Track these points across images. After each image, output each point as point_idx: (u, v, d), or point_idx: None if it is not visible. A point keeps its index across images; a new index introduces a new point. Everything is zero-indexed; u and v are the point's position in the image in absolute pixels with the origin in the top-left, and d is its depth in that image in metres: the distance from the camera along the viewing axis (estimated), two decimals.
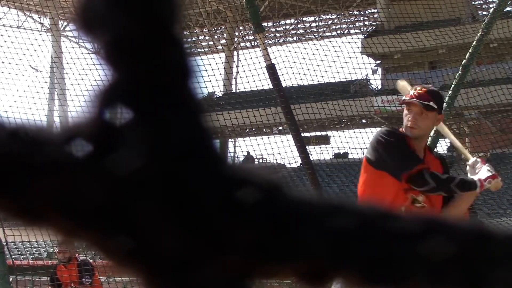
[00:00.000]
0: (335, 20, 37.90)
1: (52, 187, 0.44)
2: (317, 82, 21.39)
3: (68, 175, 0.44)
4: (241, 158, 31.62)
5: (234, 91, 33.90)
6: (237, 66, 33.84)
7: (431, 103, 3.72)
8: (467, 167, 3.86)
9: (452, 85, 9.04)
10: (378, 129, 4.03)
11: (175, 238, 0.45)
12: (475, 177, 3.66)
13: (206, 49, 35.54)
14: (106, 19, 0.45)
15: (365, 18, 37.93)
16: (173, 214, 0.45)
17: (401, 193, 3.67)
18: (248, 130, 27.30)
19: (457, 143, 4.18)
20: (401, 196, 3.67)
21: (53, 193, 0.44)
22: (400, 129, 3.87)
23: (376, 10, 35.66)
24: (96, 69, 0.46)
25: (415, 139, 3.74)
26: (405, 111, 3.81)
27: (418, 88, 3.84)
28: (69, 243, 0.47)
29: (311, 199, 0.47)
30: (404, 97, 3.87)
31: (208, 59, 21.26)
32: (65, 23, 31.69)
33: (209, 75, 16.58)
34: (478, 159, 3.86)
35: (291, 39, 36.90)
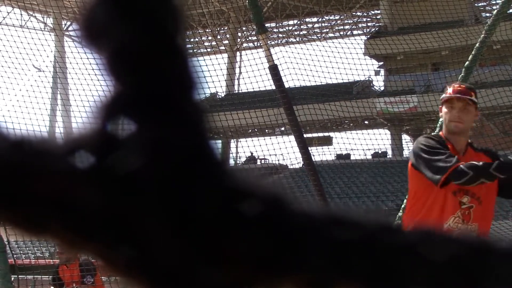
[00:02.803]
0: (338, 21, 37.90)
1: (54, 198, 0.44)
2: (320, 83, 21.39)
3: (70, 186, 0.44)
4: (243, 159, 31.62)
5: (236, 91, 33.91)
6: (239, 67, 33.85)
7: (473, 98, 3.82)
8: None
9: None
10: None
11: (176, 250, 0.46)
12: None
13: (209, 50, 35.56)
14: (109, 30, 0.45)
15: (368, 19, 37.93)
16: (174, 226, 0.46)
17: (450, 196, 3.72)
18: (250, 130, 27.30)
19: None
20: (451, 200, 3.72)
21: (54, 204, 0.44)
22: (441, 133, 3.93)
23: (379, 12, 35.65)
24: (99, 69, 0.46)
25: (456, 136, 3.81)
26: (445, 109, 3.85)
27: (456, 85, 3.92)
28: (69, 251, 0.47)
29: (313, 211, 0.47)
30: (445, 95, 3.91)
31: (211, 59, 21.27)
32: (68, 23, 31.73)
33: (212, 75, 16.59)
34: None
35: (294, 40, 36.92)
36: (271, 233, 0.47)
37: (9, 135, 0.45)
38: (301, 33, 38.17)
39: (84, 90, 16.06)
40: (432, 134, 3.95)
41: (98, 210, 0.45)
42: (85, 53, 0.46)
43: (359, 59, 34.22)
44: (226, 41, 37.57)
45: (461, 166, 3.56)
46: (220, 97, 33.13)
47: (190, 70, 0.47)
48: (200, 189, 0.46)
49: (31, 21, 31.48)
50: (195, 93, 0.47)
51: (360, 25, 38.08)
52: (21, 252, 19.19)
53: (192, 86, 0.47)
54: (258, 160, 30.62)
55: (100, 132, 0.45)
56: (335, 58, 17.17)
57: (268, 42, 10.15)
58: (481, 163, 3.61)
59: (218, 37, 37.72)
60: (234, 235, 0.46)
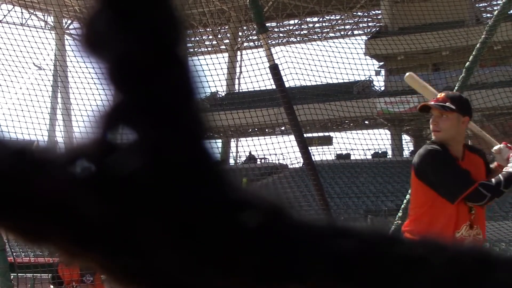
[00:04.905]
0: (339, 21, 37.91)
1: (54, 208, 0.44)
2: (320, 83, 21.40)
3: (70, 196, 0.44)
4: (244, 158, 31.63)
5: (237, 91, 33.93)
6: (240, 66, 33.88)
7: (447, 104, 3.78)
8: (493, 153, 3.95)
9: (455, 87, 9.04)
10: (424, 147, 3.98)
11: (177, 261, 0.46)
12: (510, 169, 3.77)
13: (209, 49, 35.57)
14: (110, 40, 0.45)
15: (369, 19, 37.93)
16: (175, 236, 0.46)
17: (462, 205, 3.72)
18: (250, 130, 27.29)
19: (484, 135, 4.22)
20: (462, 209, 3.74)
21: (54, 213, 0.44)
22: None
23: (379, 12, 35.65)
24: (99, 78, 0.46)
25: (449, 144, 3.78)
26: (431, 120, 3.88)
27: (439, 94, 3.92)
28: (72, 263, 0.47)
29: (313, 222, 0.47)
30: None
31: (211, 58, 21.26)
32: (69, 21, 31.73)
33: (212, 74, 16.58)
34: (503, 145, 3.94)
35: (295, 40, 36.92)
36: (272, 242, 0.46)
37: (10, 143, 0.45)
38: (301, 32, 38.17)
39: (84, 88, 16.06)
40: (431, 142, 3.91)
41: (98, 219, 0.45)
42: (88, 61, 0.46)
43: (359, 59, 34.26)
44: (227, 40, 37.57)
45: (479, 188, 3.62)
46: (220, 96, 33.15)
47: (190, 79, 0.47)
48: (201, 199, 0.46)
49: (31, 19, 31.49)
50: (195, 102, 0.47)
51: (360, 25, 38.08)
52: (21, 250, 19.19)
53: (191, 95, 0.47)
54: (258, 160, 30.63)
55: (101, 141, 0.45)
56: (336, 58, 17.18)
57: (269, 41, 10.14)
58: (493, 182, 3.67)
59: (219, 36, 37.72)
60: (234, 244, 0.46)
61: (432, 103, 3.82)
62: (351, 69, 17.68)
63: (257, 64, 14.81)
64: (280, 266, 0.47)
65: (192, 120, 0.47)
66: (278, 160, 29.81)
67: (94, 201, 0.45)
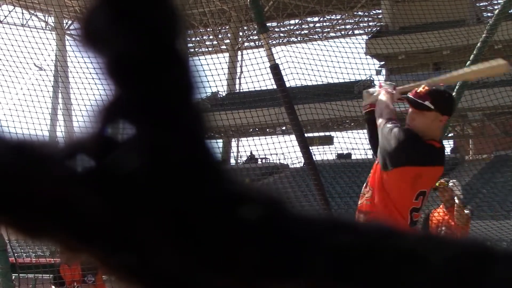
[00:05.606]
0: (339, 21, 37.88)
1: (54, 203, 0.44)
2: (321, 83, 21.36)
3: (69, 191, 0.44)
4: (244, 158, 31.62)
5: (237, 91, 33.90)
6: (241, 66, 33.86)
7: (426, 103, 3.67)
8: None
9: (456, 87, 9.03)
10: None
11: (176, 256, 0.46)
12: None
13: (210, 49, 35.55)
14: (109, 36, 0.45)
15: (370, 18, 37.91)
16: (174, 232, 0.46)
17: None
18: (251, 130, 27.28)
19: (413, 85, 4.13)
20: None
21: (54, 209, 0.44)
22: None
23: (380, 11, 35.63)
24: (98, 73, 0.46)
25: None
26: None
27: (422, 87, 3.77)
28: (73, 259, 0.47)
29: (313, 217, 0.47)
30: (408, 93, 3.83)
31: (212, 58, 21.26)
32: (70, 22, 31.73)
33: (213, 74, 16.58)
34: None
35: (295, 39, 36.90)
36: (271, 239, 0.46)
37: (9, 139, 0.45)
38: (302, 32, 38.15)
39: (85, 88, 16.06)
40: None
41: (97, 214, 0.45)
42: (87, 56, 0.46)
43: (360, 58, 34.27)
44: (228, 40, 37.56)
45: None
46: (221, 96, 33.13)
47: (189, 74, 0.47)
48: (200, 194, 0.46)
49: (32, 20, 31.50)
50: (194, 97, 0.47)
51: (361, 24, 38.06)
52: (22, 250, 19.18)
53: (190, 90, 0.47)
54: (259, 160, 30.62)
55: (100, 136, 0.45)
56: (337, 57, 17.17)
57: (269, 41, 10.14)
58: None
59: (220, 36, 37.71)
60: (233, 242, 0.46)
61: (411, 97, 3.72)
62: (352, 68, 17.69)
63: (257, 64, 14.80)
64: (280, 264, 0.47)
65: (192, 117, 0.47)
66: (279, 160, 29.79)
67: (93, 198, 0.45)
